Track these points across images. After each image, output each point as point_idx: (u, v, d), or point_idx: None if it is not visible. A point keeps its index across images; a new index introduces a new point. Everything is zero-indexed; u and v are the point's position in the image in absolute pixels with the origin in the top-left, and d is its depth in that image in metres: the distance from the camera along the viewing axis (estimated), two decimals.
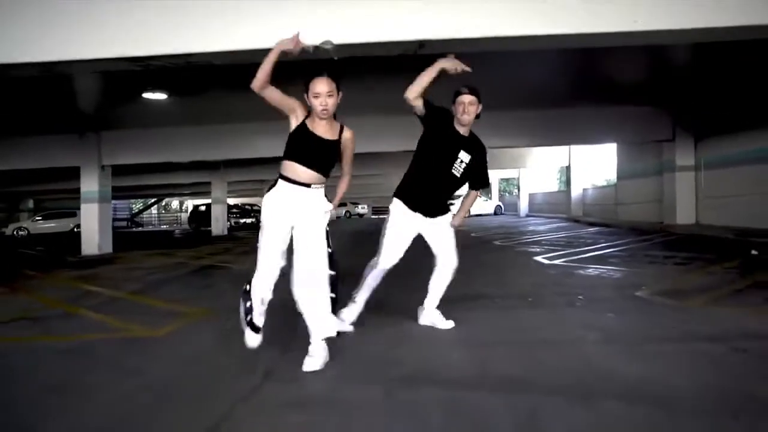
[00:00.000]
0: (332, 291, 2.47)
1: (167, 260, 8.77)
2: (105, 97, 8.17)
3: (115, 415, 2.08)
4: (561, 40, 3.61)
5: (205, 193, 29.22)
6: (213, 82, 7.46)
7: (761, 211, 8.87)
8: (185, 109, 9.24)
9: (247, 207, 24.94)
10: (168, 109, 8.90)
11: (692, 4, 3.47)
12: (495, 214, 26.38)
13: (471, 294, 4.22)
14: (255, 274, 2.47)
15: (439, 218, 3.14)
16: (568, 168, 19.26)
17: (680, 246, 7.67)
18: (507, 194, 33.30)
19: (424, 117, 2.95)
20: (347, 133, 2.58)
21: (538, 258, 6.93)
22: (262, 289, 2.47)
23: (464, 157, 3.03)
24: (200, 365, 2.68)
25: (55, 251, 12.01)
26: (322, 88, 2.43)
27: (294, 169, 2.47)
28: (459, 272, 3.25)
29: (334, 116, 2.57)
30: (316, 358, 2.44)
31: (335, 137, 2.53)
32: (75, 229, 21.92)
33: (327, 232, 2.53)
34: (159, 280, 6.26)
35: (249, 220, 22.14)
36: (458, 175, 3.05)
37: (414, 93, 2.82)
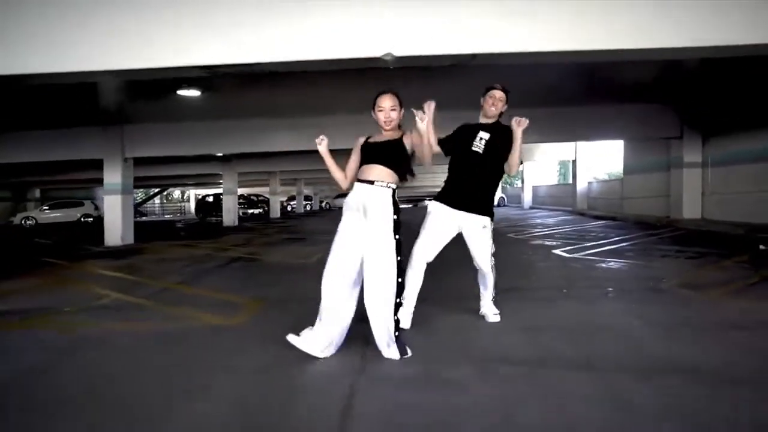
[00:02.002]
0: (398, 296, 2.70)
1: (193, 252, 9.00)
2: (137, 94, 8.39)
3: (255, 395, 2.34)
4: (613, 54, 3.90)
5: (210, 184, 29.43)
6: (234, 79, 7.64)
7: (766, 207, 9.27)
8: (206, 104, 9.45)
9: (253, 198, 25.14)
10: (190, 104, 9.12)
11: None
12: (498, 205, 26.76)
13: (504, 286, 4.51)
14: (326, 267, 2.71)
15: (478, 217, 3.25)
16: (574, 162, 19.60)
17: (690, 241, 8.04)
18: (509, 186, 33.67)
19: (446, 150, 3.33)
20: (410, 135, 2.79)
21: (557, 251, 7.28)
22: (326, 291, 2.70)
23: (483, 135, 3.22)
24: (295, 350, 2.80)
25: (73, 242, 12.24)
26: (386, 103, 2.77)
27: (362, 170, 2.78)
28: None
29: (400, 128, 2.86)
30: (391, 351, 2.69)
31: (395, 137, 2.79)
32: (82, 219, 22.19)
33: (397, 239, 2.69)
34: (197, 272, 6.46)
35: (257, 211, 22.38)
36: (480, 152, 3.18)
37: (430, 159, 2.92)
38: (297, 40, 3.78)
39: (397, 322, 2.72)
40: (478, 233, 3.29)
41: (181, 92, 7.93)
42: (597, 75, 8.43)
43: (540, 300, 4.14)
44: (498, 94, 3.25)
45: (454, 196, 3.30)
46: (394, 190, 2.75)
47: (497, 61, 3.96)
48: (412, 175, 2.84)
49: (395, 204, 2.74)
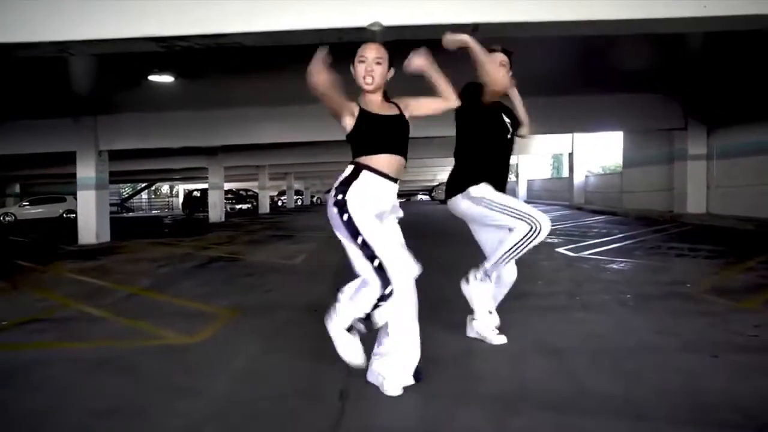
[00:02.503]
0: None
1: (172, 250, 8.47)
2: (106, 79, 7.75)
3: None
4: (624, 25, 3.38)
5: (197, 178, 28.67)
6: (215, 66, 7.10)
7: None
8: (186, 93, 8.86)
9: (242, 193, 24.49)
10: (168, 93, 8.52)
11: None
12: None
13: (511, 291, 4.02)
14: (390, 273, 2.02)
15: None
16: (570, 155, 19.15)
17: (700, 238, 7.57)
18: None
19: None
20: (406, 103, 2.22)
21: (561, 250, 6.78)
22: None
23: (507, 119, 2.79)
24: (258, 381, 2.43)
25: (50, 240, 11.59)
26: (370, 53, 2.09)
27: (382, 160, 2.08)
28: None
29: (387, 98, 2.22)
30: (395, 381, 2.15)
31: (397, 113, 2.18)
32: (64, 215, 21.38)
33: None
34: (171, 274, 5.99)
35: (245, 206, 21.74)
36: (509, 136, 2.80)
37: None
38: (267, 6, 3.19)
39: None
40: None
41: (152, 78, 7.28)
42: (598, 63, 7.94)
43: (552, 310, 3.62)
44: (499, 57, 2.64)
45: (497, 181, 2.70)
46: None
47: (500, 33, 3.40)
48: None
49: None
